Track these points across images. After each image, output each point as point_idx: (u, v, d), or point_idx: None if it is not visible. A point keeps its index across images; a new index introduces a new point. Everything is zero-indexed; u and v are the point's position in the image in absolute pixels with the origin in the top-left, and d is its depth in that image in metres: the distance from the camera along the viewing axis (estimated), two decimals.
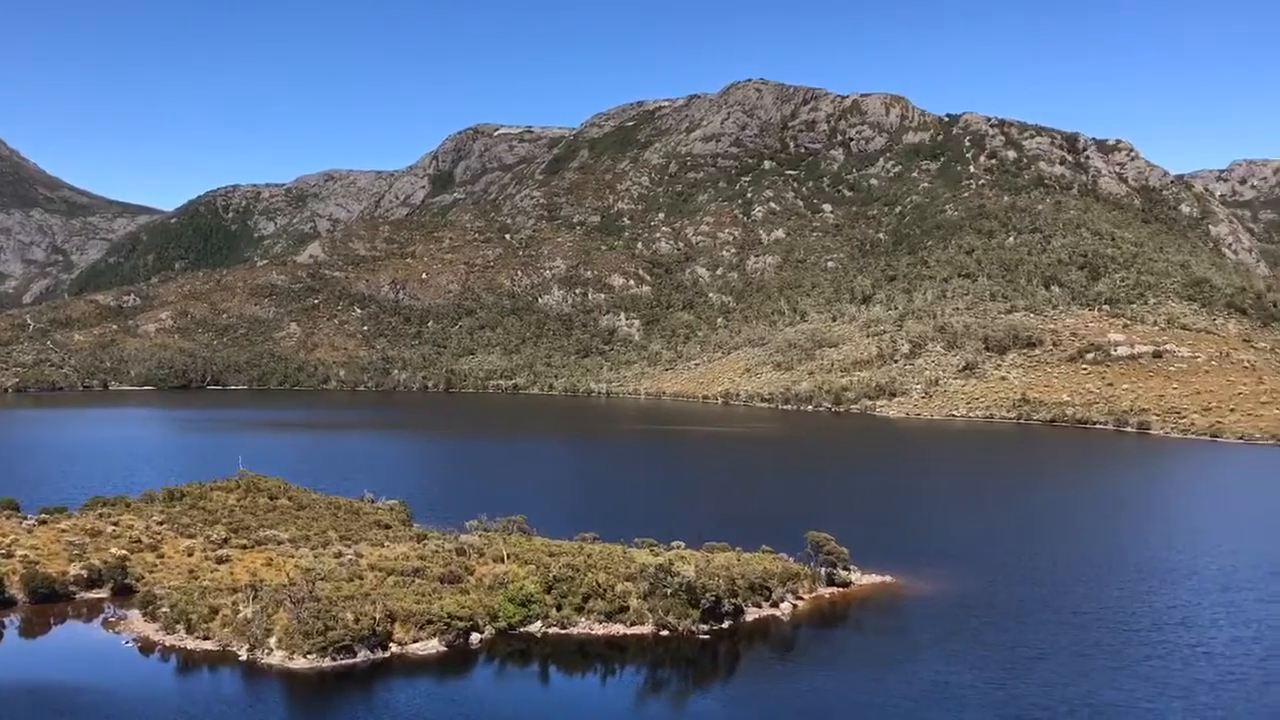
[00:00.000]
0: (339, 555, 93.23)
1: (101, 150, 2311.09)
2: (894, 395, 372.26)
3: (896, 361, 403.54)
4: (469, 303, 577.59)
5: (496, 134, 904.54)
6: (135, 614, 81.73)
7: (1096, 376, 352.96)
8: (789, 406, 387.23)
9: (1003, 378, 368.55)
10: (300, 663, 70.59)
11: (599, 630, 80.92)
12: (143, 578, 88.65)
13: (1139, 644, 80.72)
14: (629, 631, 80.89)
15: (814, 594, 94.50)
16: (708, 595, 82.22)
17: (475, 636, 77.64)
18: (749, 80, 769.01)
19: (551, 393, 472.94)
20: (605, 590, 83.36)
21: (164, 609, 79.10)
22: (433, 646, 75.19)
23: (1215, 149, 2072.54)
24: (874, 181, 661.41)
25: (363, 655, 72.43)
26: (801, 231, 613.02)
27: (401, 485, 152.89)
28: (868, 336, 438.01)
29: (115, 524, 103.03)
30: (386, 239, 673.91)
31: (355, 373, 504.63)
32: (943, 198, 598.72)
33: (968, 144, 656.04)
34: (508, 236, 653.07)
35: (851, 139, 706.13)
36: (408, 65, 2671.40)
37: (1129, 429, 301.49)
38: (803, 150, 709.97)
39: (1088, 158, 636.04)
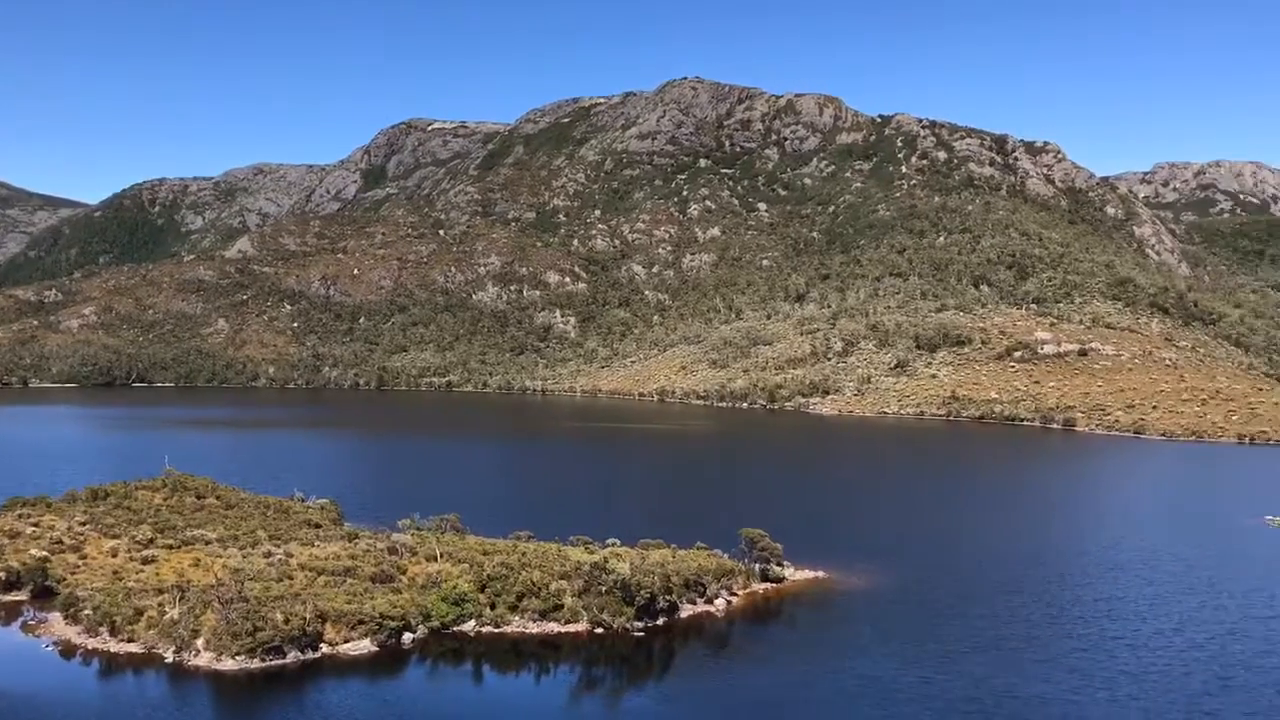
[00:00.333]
0: (268, 555, 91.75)
1: (21, 142, 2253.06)
2: (827, 393, 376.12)
3: (830, 359, 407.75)
4: (402, 299, 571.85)
5: (430, 129, 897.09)
6: (56, 616, 79.56)
7: (1024, 374, 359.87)
8: (724, 404, 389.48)
9: (933, 375, 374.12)
10: (228, 664, 69.32)
11: (533, 629, 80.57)
12: (64, 579, 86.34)
13: (1065, 637, 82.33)
14: (563, 630, 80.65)
15: (748, 590, 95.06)
16: (643, 592, 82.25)
17: (408, 636, 76.87)
18: (685, 78, 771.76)
19: (486, 390, 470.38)
20: (540, 589, 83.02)
21: (87, 611, 77.16)
22: (364, 646, 74.29)
23: (1139, 152, 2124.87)
24: (808, 181, 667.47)
25: (293, 656, 71.31)
26: (737, 230, 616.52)
27: (332, 484, 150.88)
28: (802, 334, 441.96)
29: (35, 525, 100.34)
30: (317, 234, 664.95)
31: (285, 370, 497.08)
32: (875, 197, 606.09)
33: (900, 145, 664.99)
34: (441, 232, 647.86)
35: (786, 139, 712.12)
36: (340, 58, 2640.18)
37: (1055, 426, 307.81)
38: (738, 149, 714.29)
39: (1016, 159, 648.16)
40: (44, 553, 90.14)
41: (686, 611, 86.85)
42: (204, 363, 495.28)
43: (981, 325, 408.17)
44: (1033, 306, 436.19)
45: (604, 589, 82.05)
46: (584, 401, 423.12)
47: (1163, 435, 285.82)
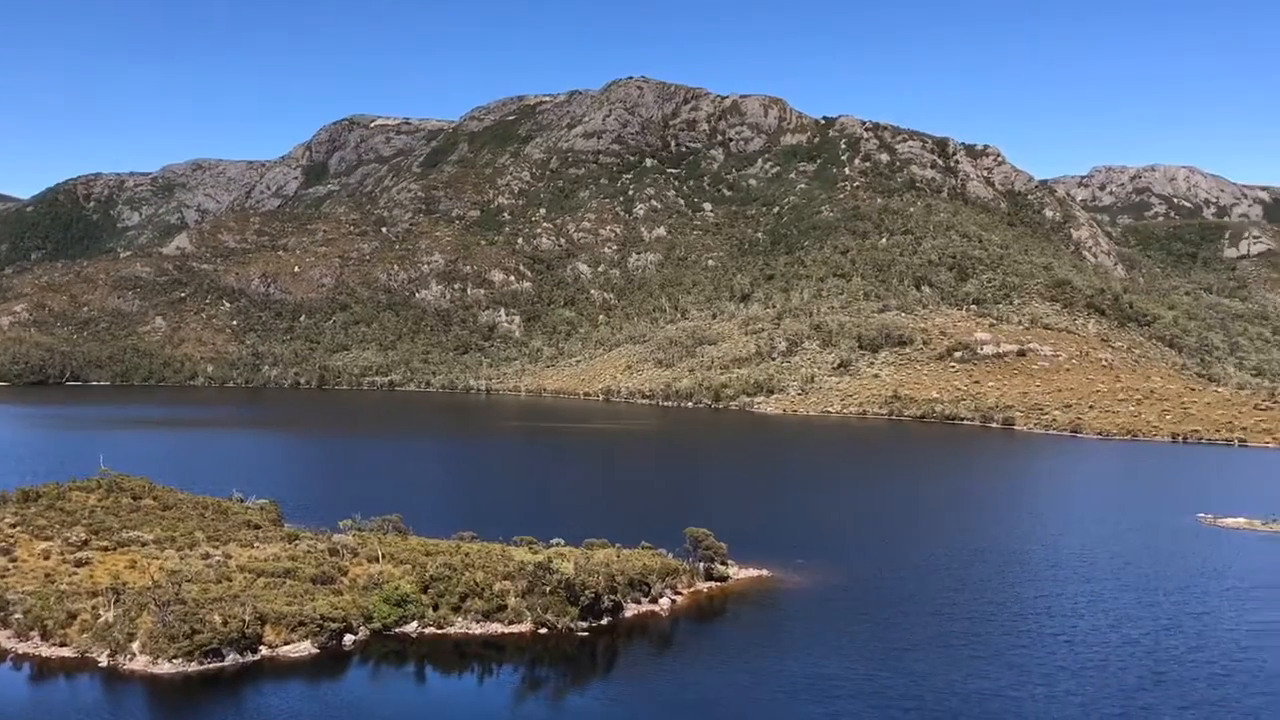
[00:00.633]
0: (206, 556, 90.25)
1: None
2: (771, 392, 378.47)
3: (774, 359, 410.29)
4: (343, 297, 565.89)
5: (373, 125, 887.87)
6: None
7: (964, 374, 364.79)
8: (669, 403, 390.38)
9: (875, 375, 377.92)
10: (165, 667, 68.09)
11: (476, 629, 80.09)
12: None
13: (1004, 633, 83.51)
14: (507, 630, 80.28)
15: (692, 589, 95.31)
16: (587, 592, 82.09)
17: (349, 638, 76.07)
18: (630, 78, 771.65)
19: (429, 389, 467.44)
20: (483, 589, 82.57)
21: (17, 615, 75.36)
22: (305, 648, 73.35)
23: (1077, 156, 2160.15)
24: (753, 182, 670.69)
25: (231, 658, 70.23)
26: (682, 230, 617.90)
27: (272, 484, 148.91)
28: (746, 334, 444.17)
29: None
30: (257, 231, 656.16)
31: (224, 369, 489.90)
32: (819, 199, 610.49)
33: (843, 147, 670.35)
34: (384, 230, 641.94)
35: (731, 139, 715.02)
36: (281, 52, 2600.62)
37: (995, 425, 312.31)
38: (684, 149, 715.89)
39: (957, 162, 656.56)
40: None
41: (631, 611, 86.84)
42: (141, 361, 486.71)
43: (923, 326, 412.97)
44: (973, 307, 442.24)
45: (548, 589, 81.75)
46: (529, 401, 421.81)
47: (1099, 434, 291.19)
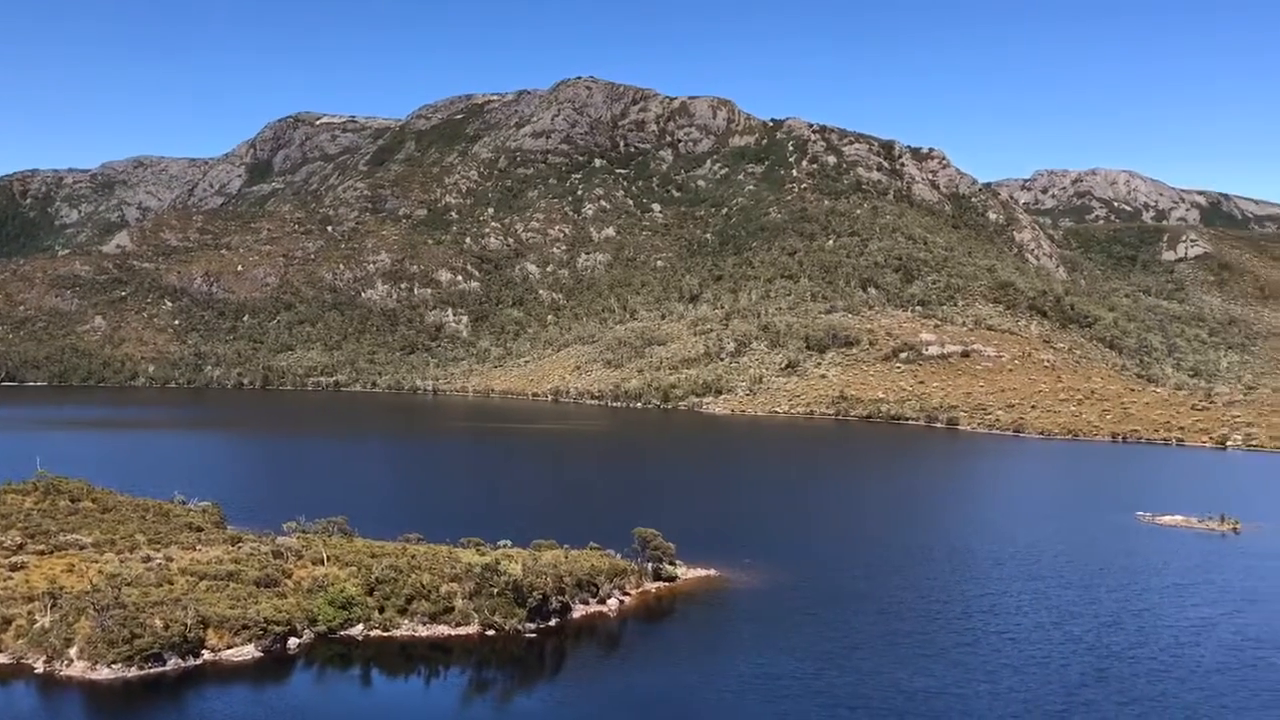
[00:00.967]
0: (147, 560, 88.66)
1: None
2: (720, 392, 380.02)
3: (723, 359, 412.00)
4: (288, 296, 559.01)
5: (318, 123, 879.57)
6: None
7: (909, 374, 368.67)
8: (618, 404, 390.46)
9: (822, 375, 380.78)
10: (104, 673, 66.77)
11: (423, 632, 79.52)
12: None
13: (949, 631, 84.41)
14: (454, 632, 79.79)
15: (641, 589, 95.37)
16: (534, 594, 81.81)
17: (293, 641, 75.15)
18: (579, 78, 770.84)
19: (375, 390, 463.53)
20: (430, 591, 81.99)
21: None
22: (248, 652, 72.35)
23: (1020, 160, 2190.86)
24: (701, 183, 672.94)
25: (173, 663, 69.04)
26: (631, 230, 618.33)
27: (215, 486, 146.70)
28: (695, 335, 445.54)
29: None
30: (200, 229, 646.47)
31: (166, 369, 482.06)
32: (767, 200, 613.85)
33: (791, 149, 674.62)
34: (329, 228, 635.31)
35: (680, 140, 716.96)
36: (225, 48, 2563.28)
37: (939, 425, 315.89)
38: (632, 150, 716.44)
39: (903, 165, 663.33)
40: None
41: (579, 612, 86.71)
42: (79, 361, 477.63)
43: (869, 327, 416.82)
44: (918, 309, 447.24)
45: (496, 591, 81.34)
46: (476, 401, 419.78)
47: (1041, 434, 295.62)
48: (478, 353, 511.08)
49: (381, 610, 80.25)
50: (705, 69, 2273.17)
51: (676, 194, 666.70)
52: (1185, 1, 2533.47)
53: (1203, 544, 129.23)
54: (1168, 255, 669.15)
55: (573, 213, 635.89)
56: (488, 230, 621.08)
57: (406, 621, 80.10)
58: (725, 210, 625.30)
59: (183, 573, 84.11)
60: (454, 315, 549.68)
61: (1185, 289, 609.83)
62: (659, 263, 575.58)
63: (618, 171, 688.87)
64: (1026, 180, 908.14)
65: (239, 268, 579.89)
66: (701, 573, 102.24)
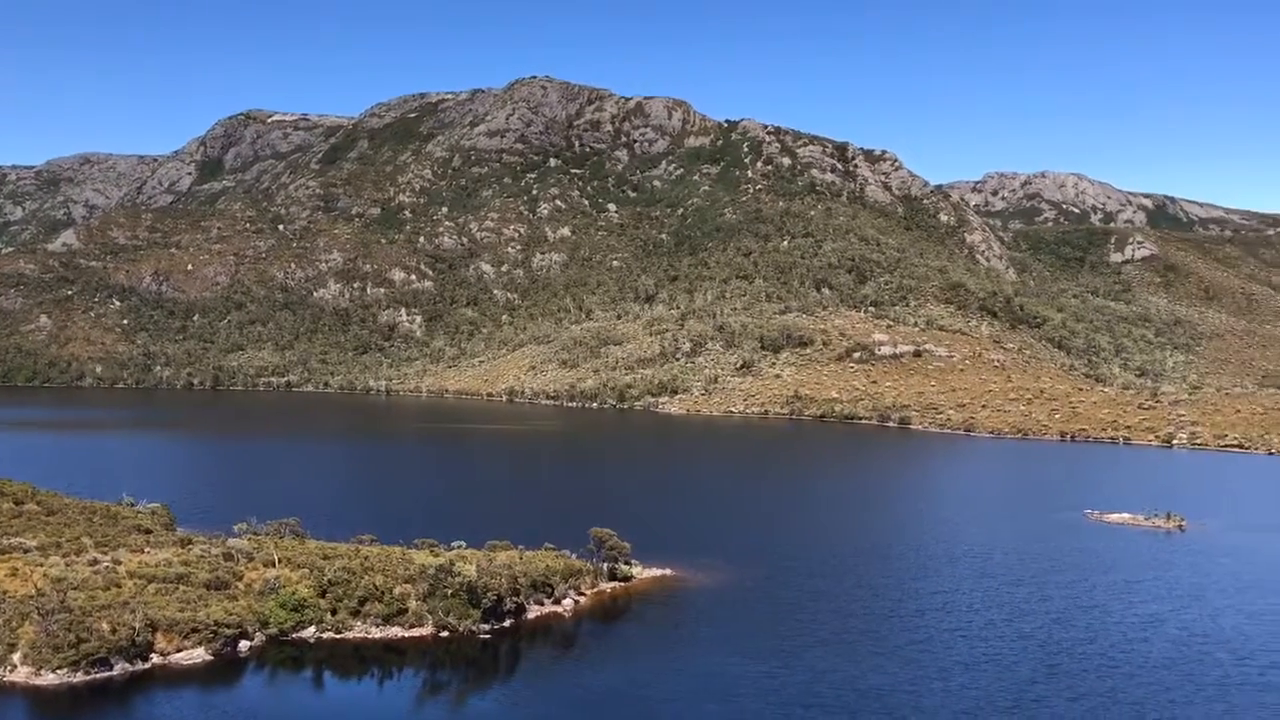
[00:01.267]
0: (94, 563, 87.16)
1: None
2: (676, 392, 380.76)
3: (678, 359, 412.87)
4: (239, 296, 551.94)
5: (270, 120, 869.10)
6: None
7: (862, 374, 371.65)
8: (574, 404, 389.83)
9: (777, 375, 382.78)
10: (49, 678, 65.57)
11: (376, 634, 78.93)
12: None
13: (902, 629, 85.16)
14: (408, 634, 79.28)
15: (596, 589, 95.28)
16: (489, 595, 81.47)
17: (244, 644, 74.28)
18: (534, 77, 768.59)
19: (327, 390, 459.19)
20: (383, 593, 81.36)
21: None
22: (198, 655, 71.41)
23: (971, 162, 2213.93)
24: (657, 183, 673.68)
25: (120, 668, 67.96)
26: (587, 230, 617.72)
27: (165, 488, 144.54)
28: (651, 335, 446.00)
29: None
30: (149, 228, 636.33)
31: (114, 369, 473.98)
32: (722, 201, 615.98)
33: (746, 150, 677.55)
34: (281, 227, 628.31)
35: (635, 140, 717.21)
36: (175, 43, 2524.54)
37: (891, 424, 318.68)
38: (588, 150, 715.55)
39: (856, 167, 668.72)
40: None
41: (534, 612, 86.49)
42: (24, 361, 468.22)
43: (823, 327, 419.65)
44: (871, 309, 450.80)
45: (450, 592, 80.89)
46: (430, 402, 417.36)
47: (991, 433, 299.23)
48: (432, 353, 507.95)
49: (334, 612, 79.53)
50: (661, 70, 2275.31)
51: (632, 194, 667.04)
52: (1132, 8, 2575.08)
53: (1149, 541, 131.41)
54: (1115, 257, 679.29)
55: (528, 212, 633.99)
56: (442, 229, 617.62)
57: (359, 623, 79.46)
58: (681, 211, 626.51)
59: (131, 576, 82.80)
60: (407, 315, 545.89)
61: (1132, 290, 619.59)
62: (614, 263, 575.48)
63: (573, 171, 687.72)
64: (977, 182, 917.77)
65: (189, 266, 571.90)
66: (657, 572, 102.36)
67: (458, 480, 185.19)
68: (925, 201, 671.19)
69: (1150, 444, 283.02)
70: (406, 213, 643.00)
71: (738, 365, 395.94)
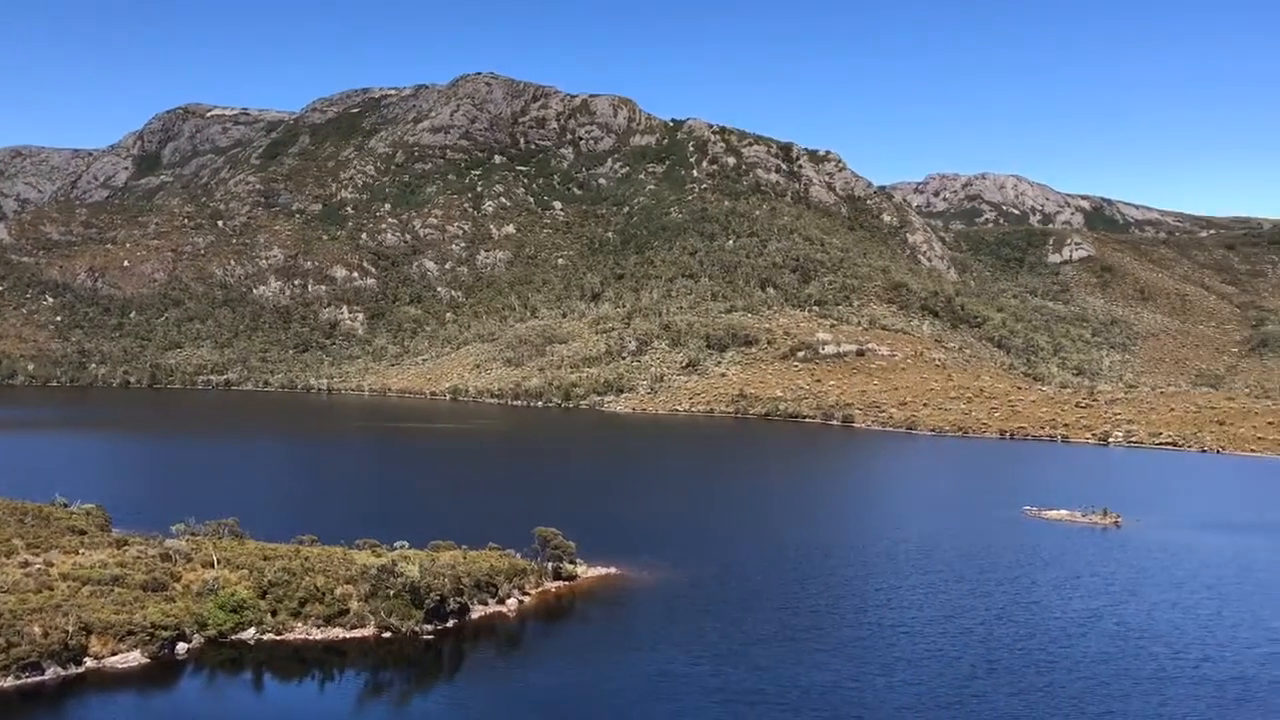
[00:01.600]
0: (25, 565, 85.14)
1: None
2: (622, 391, 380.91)
3: (624, 358, 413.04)
4: (176, 293, 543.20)
5: (209, 115, 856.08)
6: None
7: (806, 373, 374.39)
8: (519, 402, 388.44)
9: (722, 374, 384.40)
10: None
11: (317, 635, 77.94)
12: None
13: (846, 626, 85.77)
14: (349, 635, 78.38)
15: (541, 589, 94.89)
16: (432, 595, 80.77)
17: (182, 646, 72.98)
18: (479, 73, 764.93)
19: (267, 389, 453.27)
20: (324, 594, 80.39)
21: None
22: (134, 659, 70.02)
23: (913, 163, 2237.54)
24: (603, 181, 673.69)
25: (52, 672, 66.42)
26: (532, 228, 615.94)
27: (100, 488, 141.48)
28: (597, 333, 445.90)
29: None
30: (84, 223, 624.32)
31: (47, 367, 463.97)
32: (668, 200, 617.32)
33: (692, 149, 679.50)
34: (220, 223, 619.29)
35: (581, 138, 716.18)
36: (112, 34, 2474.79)
37: (835, 422, 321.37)
38: (533, 147, 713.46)
39: (800, 167, 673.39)
40: None
41: (478, 612, 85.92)
42: None
43: (767, 326, 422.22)
44: (815, 308, 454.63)
45: (392, 593, 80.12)
46: (372, 400, 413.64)
47: (932, 431, 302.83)
48: (374, 351, 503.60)
49: (274, 613, 78.41)
50: (606, 68, 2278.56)
51: (578, 192, 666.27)
52: (1071, 13, 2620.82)
53: (1087, 538, 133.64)
54: (1053, 258, 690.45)
55: (472, 209, 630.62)
56: (384, 226, 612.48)
57: (300, 624, 78.44)
58: (627, 209, 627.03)
59: (64, 578, 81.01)
60: (349, 313, 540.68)
61: (1070, 290, 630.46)
62: (560, 261, 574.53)
63: (518, 168, 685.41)
64: (919, 183, 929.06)
65: (125, 262, 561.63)
66: (602, 571, 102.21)
67: (400, 480, 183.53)
68: (869, 202, 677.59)
69: (1087, 442, 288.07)
70: (349, 209, 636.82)
71: (683, 364, 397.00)
